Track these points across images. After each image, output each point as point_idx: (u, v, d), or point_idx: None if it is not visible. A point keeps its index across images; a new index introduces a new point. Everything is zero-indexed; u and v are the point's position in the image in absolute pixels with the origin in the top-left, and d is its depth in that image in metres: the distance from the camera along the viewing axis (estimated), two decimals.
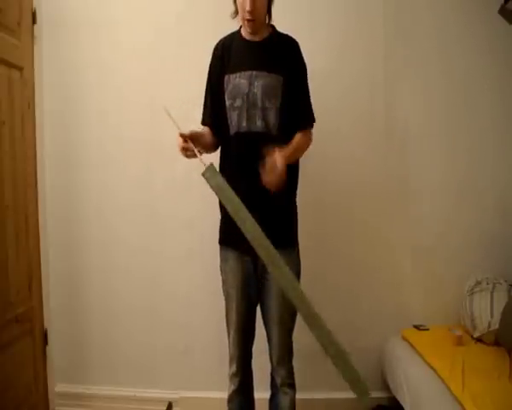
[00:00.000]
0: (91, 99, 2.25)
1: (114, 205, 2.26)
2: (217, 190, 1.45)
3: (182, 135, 1.49)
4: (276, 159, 1.47)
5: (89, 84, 2.24)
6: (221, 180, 1.45)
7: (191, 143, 1.49)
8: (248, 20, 1.58)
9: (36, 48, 2.16)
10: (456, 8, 2.19)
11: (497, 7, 2.06)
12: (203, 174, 1.42)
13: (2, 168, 1.90)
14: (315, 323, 1.43)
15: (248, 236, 1.42)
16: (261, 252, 1.42)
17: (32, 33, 2.14)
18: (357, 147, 2.21)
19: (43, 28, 2.20)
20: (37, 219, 2.19)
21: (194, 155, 1.48)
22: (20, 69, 2.04)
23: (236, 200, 1.44)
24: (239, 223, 1.42)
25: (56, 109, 2.25)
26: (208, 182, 1.43)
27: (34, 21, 2.14)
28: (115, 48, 2.23)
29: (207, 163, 1.44)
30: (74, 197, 2.29)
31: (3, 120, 1.91)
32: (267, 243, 1.41)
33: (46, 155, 2.25)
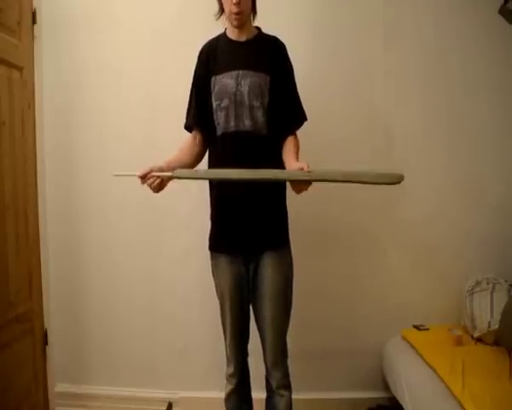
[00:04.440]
0: (91, 99, 2.25)
1: (114, 205, 2.26)
2: (192, 176, 1.61)
3: (142, 176, 1.51)
4: (303, 165, 1.46)
5: (89, 84, 2.25)
6: (188, 172, 1.61)
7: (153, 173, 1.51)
8: (235, 13, 1.57)
9: (36, 48, 2.17)
10: (456, 8, 2.19)
11: (497, 7, 2.06)
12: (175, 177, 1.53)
13: (2, 168, 1.90)
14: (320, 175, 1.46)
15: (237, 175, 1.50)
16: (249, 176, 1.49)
17: (32, 33, 2.14)
18: (357, 149, 2.20)
19: (43, 28, 2.20)
20: (37, 219, 2.19)
21: (162, 182, 1.53)
22: (20, 69, 2.04)
23: (211, 171, 1.64)
24: (226, 177, 1.53)
25: (56, 109, 2.25)
26: (182, 178, 1.55)
27: (34, 21, 2.14)
28: (115, 48, 2.23)
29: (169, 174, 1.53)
30: (74, 197, 2.29)
31: (3, 120, 1.91)
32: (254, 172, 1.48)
33: (46, 155, 2.25)
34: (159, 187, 1.54)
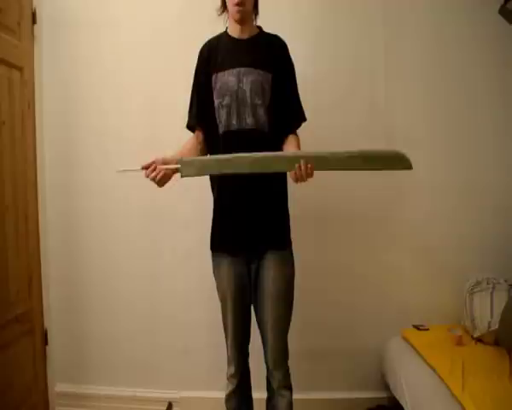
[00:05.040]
0: (91, 99, 2.25)
1: (114, 205, 2.26)
2: (201, 171, 1.51)
3: (145, 166, 1.48)
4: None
5: (89, 85, 2.25)
6: (197, 163, 1.51)
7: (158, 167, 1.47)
8: (238, 5, 1.57)
9: (36, 48, 2.17)
10: (456, 8, 2.19)
11: (497, 7, 2.06)
12: (182, 174, 1.48)
13: (2, 168, 1.90)
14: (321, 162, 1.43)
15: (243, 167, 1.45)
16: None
17: (32, 33, 2.14)
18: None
19: (43, 28, 2.20)
20: (37, 219, 2.19)
21: (165, 175, 1.48)
22: (20, 69, 2.04)
23: (219, 160, 1.50)
24: (235, 169, 1.46)
25: (56, 109, 2.25)
26: (190, 175, 1.48)
27: (34, 21, 2.14)
28: (115, 48, 2.23)
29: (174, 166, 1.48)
30: (74, 197, 2.29)
31: (3, 120, 1.91)
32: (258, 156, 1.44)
33: (46, 154, 2.25)
34: (163, 180, 1.50)
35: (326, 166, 1.44)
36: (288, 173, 1.69)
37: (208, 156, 1.66)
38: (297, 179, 1.44)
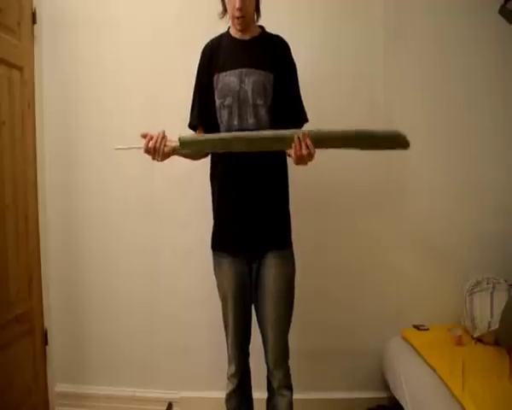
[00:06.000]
0: (91, 99, 2.25)
1: (114, 204, 2.26)
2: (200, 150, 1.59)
3: (143, 134, 1.51)
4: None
5: (89, 84, 2.25)
6: (196, 142, 1.55)
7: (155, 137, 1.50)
8: (238, 18, 1.58)
9: (36, 48, 2.17)
10: (456, 9, 2.19)
11: (497, 7, 2.06)
12: (181, 146, 1.50)
13: (2, 168, 1.90)
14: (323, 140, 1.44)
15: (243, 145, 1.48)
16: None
17: (32, 33, 2.14)
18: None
19: (43, 28, 2.20)
20: (37, 219, 2.19)
21: (165, 153, 1.51)
22: (20, 69, 2.04)
23: (217, 138, 1.53)
24: (235, 147, 1.49)
25: (56, 109, 2.25)
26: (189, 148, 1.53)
27: (34, 21, 2.14)
28: (115, 48, 2.23)
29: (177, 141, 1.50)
30: (74, 197, 2.29)
31: (3, 120, 1.91)
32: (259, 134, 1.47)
33: (46, 154, 2.25)
34: (162, 152, 1.51)
35: (323, 143, 1.44)
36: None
37: (206, 135, 1.62)
38: (297, 158, 1.44)
